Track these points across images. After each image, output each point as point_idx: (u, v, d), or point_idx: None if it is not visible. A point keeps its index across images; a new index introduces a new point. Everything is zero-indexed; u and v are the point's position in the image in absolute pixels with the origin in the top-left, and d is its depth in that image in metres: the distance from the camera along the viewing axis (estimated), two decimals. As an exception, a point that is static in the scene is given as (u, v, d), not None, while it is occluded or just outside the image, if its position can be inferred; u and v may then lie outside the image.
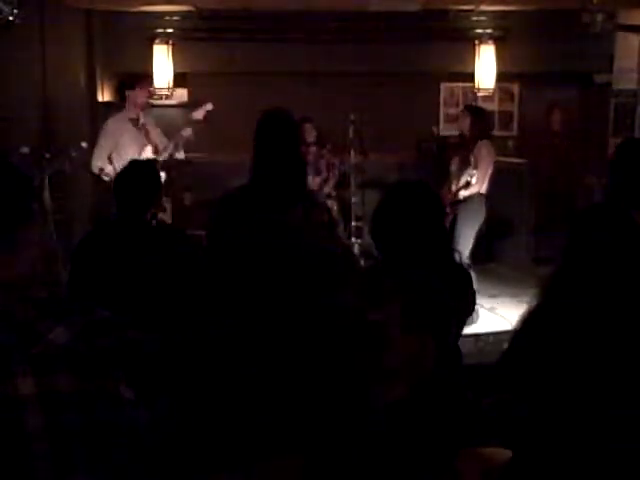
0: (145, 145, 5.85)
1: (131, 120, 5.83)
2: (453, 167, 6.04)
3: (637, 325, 1.93)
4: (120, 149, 5.71)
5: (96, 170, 5.73)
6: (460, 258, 2.79)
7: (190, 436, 1.71)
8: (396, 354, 1.58)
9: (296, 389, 1.79)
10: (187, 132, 5.86)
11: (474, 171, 5.75)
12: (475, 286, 2.72)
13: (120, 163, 5.59)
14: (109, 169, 5.65)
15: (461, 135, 6.13)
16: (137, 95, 5.81)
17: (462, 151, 5.98)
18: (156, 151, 5.88)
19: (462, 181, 5.83)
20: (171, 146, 5.90)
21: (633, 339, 1.92)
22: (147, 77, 6.12)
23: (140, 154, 5.73)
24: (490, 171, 5.92)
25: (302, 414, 1.67)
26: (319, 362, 1.77)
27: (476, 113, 6.06)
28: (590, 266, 1.99)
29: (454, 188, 5.86)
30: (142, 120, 5.93)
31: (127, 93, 5.84)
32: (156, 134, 5.99)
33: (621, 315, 1.93)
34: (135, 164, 3.49)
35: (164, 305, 2.94)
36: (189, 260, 3.17)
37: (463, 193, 5.84)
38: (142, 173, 3.34)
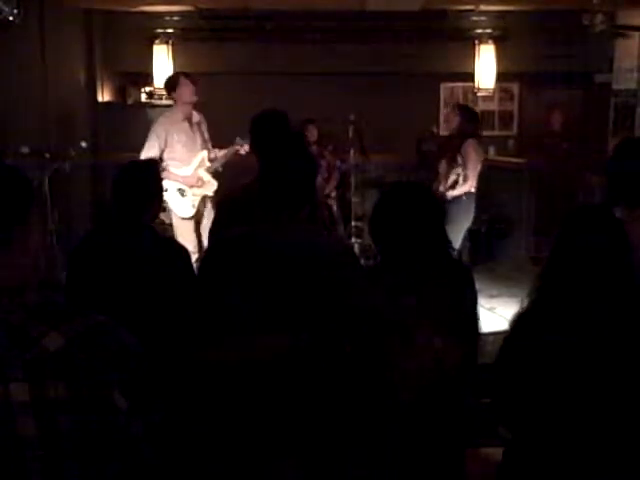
0: (199, 148, 5.62)
1: (185, 119, 5.56)
2: (441, 168, 6.01)
3: (625, 325, 1.94)
4: (172, 149, 5.50)
5: None
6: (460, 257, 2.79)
7: (187, 444, 1.70)
8: (416, 357, 1.55)
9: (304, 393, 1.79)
10: (242, 143, 5.38)
11: (460, 169, 5.77)
12: (475, 286, 2.71)
13: (172, 164, 5.49)
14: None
15: (449, 136, 6.08)
16: (182, 93, 5.51)
17: (449, 151, 5.95)
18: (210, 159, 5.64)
19: (450, 180, 5.84)
20: (222, 157, 5.62)
21: (623, 339, 1.92)
22: (186, 74, 5.66)
23: (193, 157, 5.55)
24: (479, 169, 5.92)
25: (307, 417, 1.66)
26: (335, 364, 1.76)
27: (466, 112, 6.01)
28: (577, 267, 2.00)
29: (442, 189, 5.85)
30: (197, 119, 5.66)
31: (172, 95, 5.57)
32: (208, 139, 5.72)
33: (609, 314, 1.94)
34: (135, 164, 3.43)
35: (159, 309, 2.91)
36: (182, 266, 3.12)
37: (452, 193, 5.83)
38: (141, 174, 3.22)
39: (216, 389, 2.06)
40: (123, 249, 3.04)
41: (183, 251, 3.27)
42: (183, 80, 5.55)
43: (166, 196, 5.47)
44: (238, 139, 5.44)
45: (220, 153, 5.66)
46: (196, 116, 5.66)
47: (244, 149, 5.36)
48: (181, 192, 5.57)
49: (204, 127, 5.73)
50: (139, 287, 2.94)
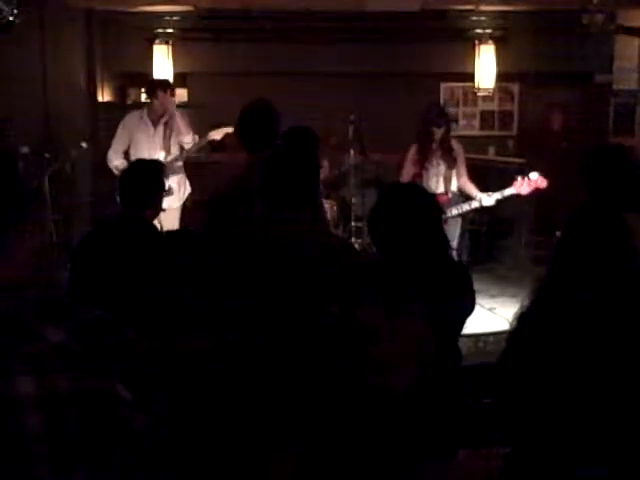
0: (158, 148, 5.80)
1: (152, 120, 5.83)
2: (442, 167, 5.87)
3: (629, 324, 1.94)
4: (135, 148, 5.75)
5: (109, 164, 5.78)
6: (460, 257, 2.79)
7: (188, 435, 1.70)
8: (390, 342, 1.57)
9: (292, 383, 1.79)
10: (217, 134, 5.73)
11: (479, 195, 5.73)
12: (475, 286, 2.71)
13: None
14: (119, 163, 5.65)
15: (427, 134, 5.86)
16: (167, 99, 5.81)
17: (440, 151, 5.86)
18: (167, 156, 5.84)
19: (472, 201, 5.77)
20: (194, 146, 5.87)
21: (625, 338, 1.92)
22: (167, 86, 6.00)
23: (152, 155, 5.68)
24: None
25: (301, 407, 1.67)
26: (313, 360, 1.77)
27: (446, 117, 5.91)
28: (582, 266, 2.00)
29: (450, 192, 5.81)
30: (165, 119, 5.86)
31: (151, 98, 5.86)
32: (184, 132, 5.89)
33: (612, 314, 1.94)
34: (139, 162, 3.49)
35: (160, 304, 2.92)
36: (186, 260, 3.14)
37: (479, 195, 5.75)
38: (144, 172, 3.33)
39: (217, 381, 2.06)
40: (125, 245, 3.05)
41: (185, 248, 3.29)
42: (162, 94, 5.80)
43: None
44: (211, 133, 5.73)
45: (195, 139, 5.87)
46: (165, 116, 5.84)
47: (219, 135, 5.66)
48: None
49: (174, 123, 5.85)
50: (139, 282, 2.95)
